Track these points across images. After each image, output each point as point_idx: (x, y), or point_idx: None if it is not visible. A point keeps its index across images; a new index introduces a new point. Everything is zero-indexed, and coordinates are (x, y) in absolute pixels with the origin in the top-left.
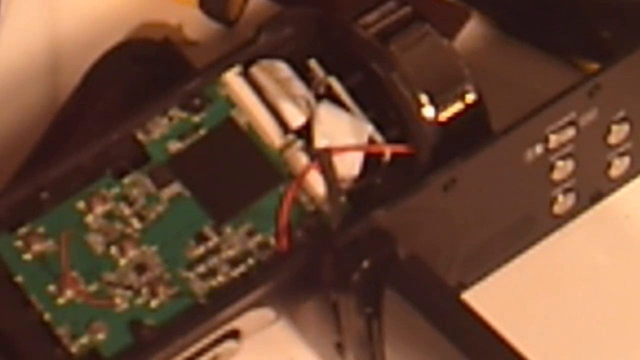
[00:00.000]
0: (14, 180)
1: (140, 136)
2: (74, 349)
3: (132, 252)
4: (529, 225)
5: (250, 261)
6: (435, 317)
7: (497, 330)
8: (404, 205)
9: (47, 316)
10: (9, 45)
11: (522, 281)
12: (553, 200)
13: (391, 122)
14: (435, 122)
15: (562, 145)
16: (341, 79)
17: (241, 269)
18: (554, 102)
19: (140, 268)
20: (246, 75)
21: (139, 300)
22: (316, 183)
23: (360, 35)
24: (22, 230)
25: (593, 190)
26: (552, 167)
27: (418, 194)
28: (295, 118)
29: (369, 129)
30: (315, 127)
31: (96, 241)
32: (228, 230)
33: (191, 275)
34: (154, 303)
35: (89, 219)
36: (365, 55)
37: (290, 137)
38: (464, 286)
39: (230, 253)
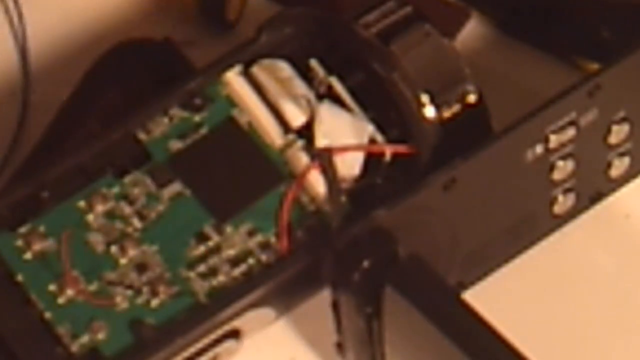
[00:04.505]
0: (15, 179)
1: (141, 135)
2: (74, 348)
3: (132, 252)
4: (529, 225)
5: (251, 261)
6: (435, 317)
7: (497, 330)
8: (404, 205)
9: (47, 315)
10: (9, 45)
11: (522, 281)
12: (553, 200)
13: (392, 122)
14: (436, 122)
15: (562, 145)
16: (342, 79)
17: (242, 268)
18: (554, 102)
19: (140, 267)
20: (247, 74)
21: (140, 300)
22: (317, 183)
23: (361, 35)
24: (23, 229)
25: (593, 190)
26: (552, 167)
27: (418, 194)
28: (296, 118)
29: (370, 128)
30: (316, 127)
31: (97, 240)
32: (229, 229)
33: (192, 274)
34: (154, 302)
35: (90, 218)
36: (366, 55)
37: (291, 136)
38: (464, 286)
39: (231, 252)
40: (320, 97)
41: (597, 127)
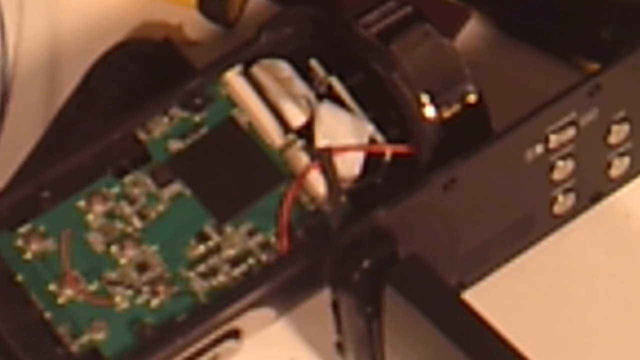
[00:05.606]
0: (15, 179)
1: (141, 135)
2: (74, 348)
3: (132, 251)
4: (529, 225)
5: (251, 261)
6: (435, 317)
7: (497, 330)
8: (404, 205)
9: (47, 315)
10: (9, 45)
11: (522, 281)
12: (553, 200)
13: (392, 122)
14: (436, 121)
15: (562, 145)
16: (342, 79)
17: (242, 268)
18: (554, 102)
19: (140, 267)
20: (247, 74)
21: (140, 300)
22: (317, 183)
23: (361, 35)
24: (23, 229)
25: (593, 190)
26: (552, 167)
27: (418, 194)
28: (296, 118)
29: (370, 128)
30: (316, 127)
31: (97, 240)
32: (229, 229)
33: (192, 274)
34: (154, 302)
35: (90, 218)
36: (366, 55)
37: (291, 136)
38: (464, 286)
39: (231, 252)
40: (320, 97)
41: (597, 127)
